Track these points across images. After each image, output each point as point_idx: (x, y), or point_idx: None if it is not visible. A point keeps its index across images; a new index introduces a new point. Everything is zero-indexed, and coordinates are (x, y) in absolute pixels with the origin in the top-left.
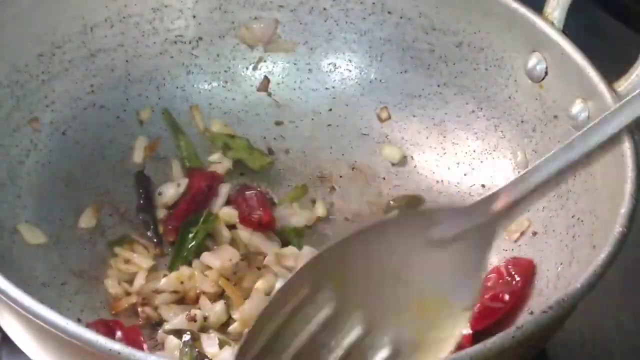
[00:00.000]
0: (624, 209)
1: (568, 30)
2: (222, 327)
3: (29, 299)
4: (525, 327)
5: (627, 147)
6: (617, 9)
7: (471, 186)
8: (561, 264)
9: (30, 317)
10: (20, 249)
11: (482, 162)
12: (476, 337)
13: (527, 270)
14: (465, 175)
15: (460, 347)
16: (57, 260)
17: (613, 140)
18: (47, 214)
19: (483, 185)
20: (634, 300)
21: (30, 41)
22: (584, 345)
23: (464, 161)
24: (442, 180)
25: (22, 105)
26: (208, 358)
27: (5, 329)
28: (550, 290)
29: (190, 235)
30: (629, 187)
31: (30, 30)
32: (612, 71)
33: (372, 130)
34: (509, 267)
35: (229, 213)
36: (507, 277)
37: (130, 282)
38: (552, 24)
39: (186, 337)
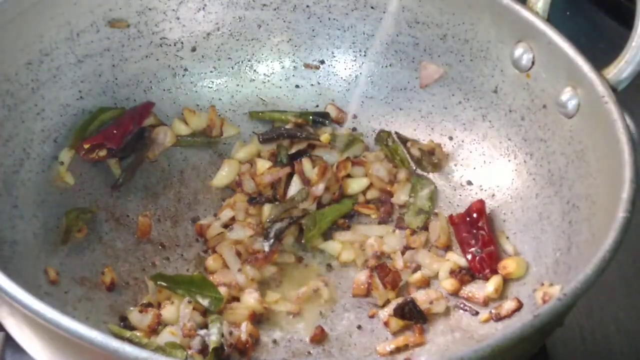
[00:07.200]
0: (625, 195)
1: (567, 31)
2: None
3: (52, 310)
4: (542, 316)
5: (621, 132)
6: (612, 7)
7: (461, 177)
8: (559, 250)
9: (47, 325)
10: (20, 259)
11: (471, 152)
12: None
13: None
14: (455, 166)
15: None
16: (58, 269)
17: (606, 126)
18: (44, 223)
19: (470, 182)
20: (634, 300)
21: (18, 50)
22: (584, 343)
23: (452, 152)
24: (432, 172)
25: (13, 115)
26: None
27: (8, 329)
28: (550, 276)
29: None
30: (627, 173)
31: (18, 39)
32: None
33: (359, 125)
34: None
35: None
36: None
37: None
38: (537, 14)
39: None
